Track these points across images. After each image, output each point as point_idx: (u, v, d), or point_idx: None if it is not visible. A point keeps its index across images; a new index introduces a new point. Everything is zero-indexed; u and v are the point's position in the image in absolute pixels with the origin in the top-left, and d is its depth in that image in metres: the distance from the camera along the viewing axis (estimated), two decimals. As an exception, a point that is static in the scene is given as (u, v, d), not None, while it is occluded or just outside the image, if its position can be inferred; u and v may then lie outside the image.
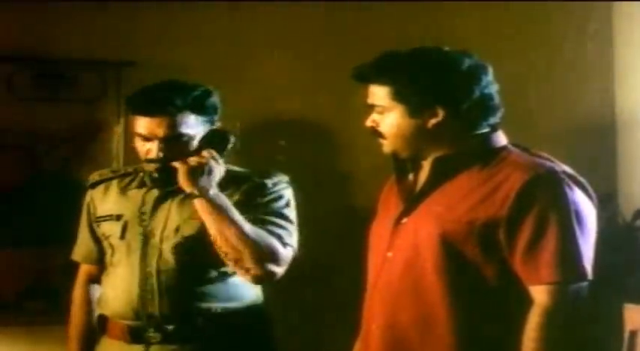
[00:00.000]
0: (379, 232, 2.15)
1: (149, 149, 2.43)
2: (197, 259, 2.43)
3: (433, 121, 2.02)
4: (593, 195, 2.02)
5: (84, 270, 2.63)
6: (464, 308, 1.96)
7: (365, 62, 2.08)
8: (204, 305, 2.42)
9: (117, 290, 2.46)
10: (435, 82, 2.01)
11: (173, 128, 2.39)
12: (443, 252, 1.97)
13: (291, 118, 3.21)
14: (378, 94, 2.06)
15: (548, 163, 2.00)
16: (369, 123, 2.10)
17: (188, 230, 2.43)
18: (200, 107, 2.43)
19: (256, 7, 3.18)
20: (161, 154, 2.40)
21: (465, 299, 1.97)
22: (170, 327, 2.41)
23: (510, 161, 2.01)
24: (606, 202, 3.07)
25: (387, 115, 2.05)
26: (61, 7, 3.05)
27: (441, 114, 2.01)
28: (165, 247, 2.43)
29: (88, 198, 2.60)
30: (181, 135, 2.41)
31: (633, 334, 2.79)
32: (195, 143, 2.43)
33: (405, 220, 2.07)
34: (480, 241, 1.95)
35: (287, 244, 2.42)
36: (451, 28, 3.19)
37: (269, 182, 2.49)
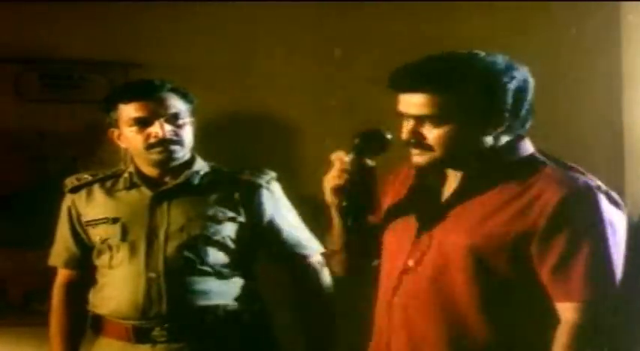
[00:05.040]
0: (397, 239, 2.08)
1: (149, 133, 2.44)
2: (203, 257, 2.44)
3: (491, 133, 1.95)
4: (624, 209, 2.00)
5: (64, 275, 2.64)
6: (497, 322, 1.93)
7: (406, 68, 1.92)
8: (210, 303, 2.45)
9: (120, 291, 2.47)
10: (496, 94, 1.91)
11: (172, 107, 2.45)
12: (473, 265, 1.93)
13: (293, 118, 3.21)
14: (429, 103, 1.90)
15: (582, 178, 1.96)
16: (407, 135, 1.95)
17: (194, 230, 2.45)
18: (184, 93, 2.50)
19: (261, 9, 3.19)
20: (170, 129, 2.42)
21: (497, 313, 1.93)
22: (176, 325, 2.42)
23: (545, 175, 1.95)
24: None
25: (440, 127, 1.91)
26: (69, 9, 3.07)
27: (499, 127, 1.94)
28: (171, 246, 2.44)
29: (68, 202, 2.60)
30: (179, 114, 2.46)
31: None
32: (187, 130, 2.47)
33: (429, 230, 2.01)
34: (512, 256, 1.91)
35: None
36: (452, 32, 3.17)
37: (262, 181, 2.52)
